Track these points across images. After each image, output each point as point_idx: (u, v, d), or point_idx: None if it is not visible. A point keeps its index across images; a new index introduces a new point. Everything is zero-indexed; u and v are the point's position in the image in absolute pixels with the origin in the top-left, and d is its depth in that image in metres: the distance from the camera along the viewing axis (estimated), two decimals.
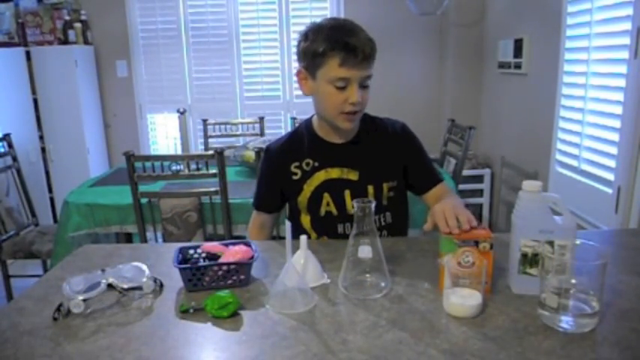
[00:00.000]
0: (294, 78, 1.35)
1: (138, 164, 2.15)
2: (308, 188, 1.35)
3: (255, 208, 1.48)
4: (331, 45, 1.18)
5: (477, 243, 0.95)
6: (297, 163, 1.36)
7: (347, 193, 1.33)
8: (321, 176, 1.34)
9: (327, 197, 1.34)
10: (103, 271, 1.01)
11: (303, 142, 1.37)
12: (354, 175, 1.34)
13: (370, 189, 1.33)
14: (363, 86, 1.23)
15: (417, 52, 3.98)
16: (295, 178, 1.36)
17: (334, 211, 1.35)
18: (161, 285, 1.06)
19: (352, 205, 1.30)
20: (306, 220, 1.39)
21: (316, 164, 1.34)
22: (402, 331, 0.85)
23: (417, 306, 0.94)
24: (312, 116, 1.41)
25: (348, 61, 1.18)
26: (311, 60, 1.23)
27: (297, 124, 3.37)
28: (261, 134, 3.50)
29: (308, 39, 1.24)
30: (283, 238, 1.12)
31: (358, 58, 1.18)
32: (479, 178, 3.57)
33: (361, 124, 1.36)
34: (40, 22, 3.73)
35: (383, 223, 1.37)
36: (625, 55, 1.98)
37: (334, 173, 1.34)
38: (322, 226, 1.37)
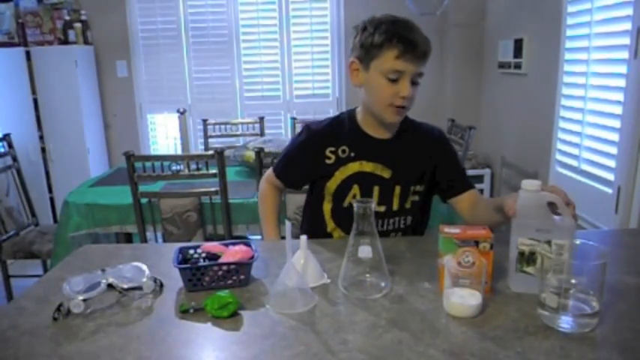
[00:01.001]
0: (346, 70, 1.38)
1: (138, 164, 2.15)
2: (339, 175, 1.35)
3: (276, 175, 1.47)
4: (390, 37, 1.21)
5: (476, 243, 0.95)
6: (332, 148, 1.35)
7: (376, 189, 1.33)
8: (354, 167, 1.34)
9: (355, 189, 1.34)
10: (103, 271, 1.01)
11: (343, 129, 1.36)
12: (386, 173, 1.33)
13: (397, 189, 1.34)
14: (414, 83, 1.24)
15: None
16: (328, 162, 1.35)
17: None
18: (161, 285, 1.06)
19: (377, 203, 1.33)
20: (327, 207, 1.39)
21: (352, 154, 1.34)
22: (402, 331, 0.85)
23: (417, 306, 0.94)
24: (355, 107, 1.40)
25: (406, 55, 1.20)
26: (367, 51, 1.25)
27: (296, 124, 3.42)
28: (261, 134, 3.50)
29: (366, 30, 1.26)
30: (283, 238, 1.12)
31: (416, 53, 1.21)
32: (479, 178, 3.57)
33: (401, 124, 1.35)
34: (40, 22, 3.73)
35: (402, 225, 1.37)
36: (625, 55, 1.98)
37: (368, 167, 1.34)
38: (341, 218, 1.37)
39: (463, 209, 1.39)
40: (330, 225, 1.39)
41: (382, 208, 1.33)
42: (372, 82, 1.26)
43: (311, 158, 1.37)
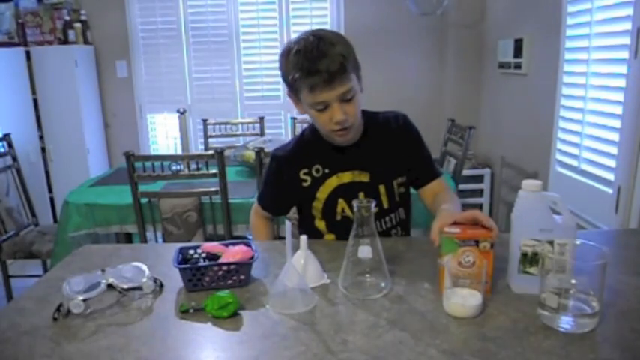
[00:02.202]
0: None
1: (138, 164, 2.15)
2: (322, 196, 1.34)
3: (262, 207, 1.47)
4: (297, 72, 1.16)
5: (477, 242, 0.95)
6: (306, 170, 1.34)
7: (361, 196, 1.32)
8: (333, 182, 1.33)
9: (342, 203, 1.34)
10: (103, 271, 1.01)
11: (310, 148, 1.35)
12: (365, 177, 1.33)
13: (382, 189, 1.33)
14: (346, 100, 1.19)
15: (417, 52, 3.97)
16: (305, 185, 1.34)
17: (351, 215, 1.32)
18: (161, 285, 1.06)
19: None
20: (321, 225, 1.38)
21: (327, 171, 1.33)
22: (402, 331, 0.85)
23: (417, 306, 0.94)
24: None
25: (317, 87, 1.16)
26: (289, 87, 1.23)
27: (297, 124, 3.42)
28: (261, 134, 3.50)
29: (281, 66, 1.23)
30: (283, 237, 1.12)
31: (325, 81, 1.14)
32: (479, 178, 3.57)
33: (365, 124, 1.33)
34: (40, 22, 3.73)
35: (397, 220, 1.37)
36: (625, 55, 1.98)
37: (346, 177, 1.33)
38: (338, 230, 1.36)
39: (427, 199, 1.37)
40: (330, 237, 1.39)
41: (375, 210, 1.32)
42: (308, 113, 1.26)
43: (287, 185, 1.37)
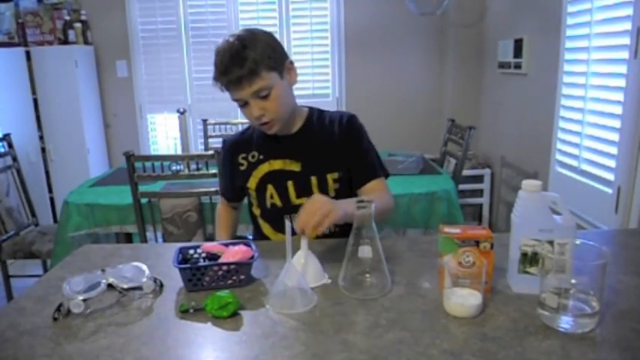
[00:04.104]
0: None
1: (138, 164, 2.15)
2: (253, 180, 1.39)
3: (220, 194, 1.58)
4: (215, 72, 1.26)
5: (477, 243, 0.95)
6: (244, 155, 1.41)
7: (290, 184, 1.36)
8: (264, 168, 1.38)
9: (270, 189, 1.38)
10: (103, 271, 1.01)
11: (252, 134, 1.43)
12: (296, 166, 1.36)
13: (314, 180, 1.35)
14: (262, 97, 1.25)
15: (417, 52, 3.98)
16: (242, 169, 1.41)
17: (278, 202, 1.38)
18: (161, 285, 1.06)
19: (295, 197, 1.35)
20: (257, 211, 1.45)
21: (261, 157, 1.39)
22: (402, 331, 0.85)
23: (417, 306, 0.94)
24: None
25: (229, 86, 1.25)
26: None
27: None
28: None
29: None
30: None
31: (234, 82, 1.22)
32: (479, 178, 3.57)
33: (307, 118, 1.40)
34: (40, 22, 3.73)
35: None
36: (625, 55, 1.98)
37: (277, 165, 1.37)
38: (270, 219, 1.42)
39: None
40: (265, 227, 1.43)
41: (303, 201, 1.30)
42: None
43: (230, 169, 1.45)
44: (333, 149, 1.37)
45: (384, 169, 1.42)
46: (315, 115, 1.42)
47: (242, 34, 1.26)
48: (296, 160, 1.36)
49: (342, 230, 1.37)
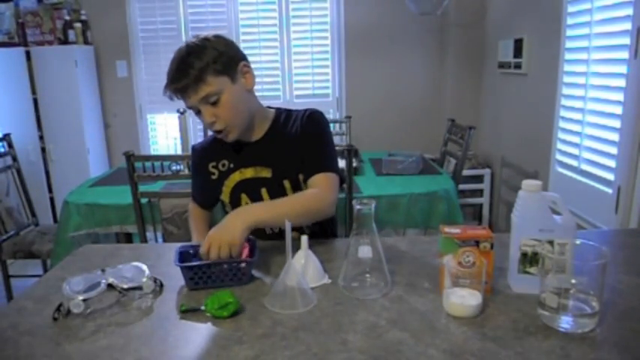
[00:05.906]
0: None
1: (138, 164, 2.15)
2: (226, 190, 1.36)
3: (192, 199, 1.52)
4: (167, 79, 1.23)
5: (477, 243, 0.95)
6: (214, 163, 1.38)
7: (263, 191, 1.33)
8: (236, 177, 1.35)
9: (244, 198, 1.35)
10: (103, 271, 1.01)
11: (222, 143, 1.35)
12: (267, 172, 1.33)
13: (287, 184, 1.32)
14: (213, 103, 1.21)
15: (417, 52, 3.98)
16: (213, 177, 1.38)
17: None
18: (161, 285, 1.06)
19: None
20: None
21: (231, 165, 1.36)
22: (402, 331, 0.85)
23: (417, 306, 0.94)
24: None
25: (176, 94, 1.22)
26: None
27: None
28: None
29: None
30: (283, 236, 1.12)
31: (180, 90, 1.20)
32: (479, 178, 3.57)
33: (274, 121, 1.37)
34: (40, 22, 3.73)
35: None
36: (625, 55, 1.98)
37: (248, 173, 1.34)
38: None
39: None
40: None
41: None
42: None
43: (201, 176, 1.41)
44: (297, 148, 1.32)
45: (335, 167, 1.33)
46: (283, 117, 1.38)
47: (190, 42, 1.26)
48: (266, 166, 1.33)
49: (321, 229, 1.38)
